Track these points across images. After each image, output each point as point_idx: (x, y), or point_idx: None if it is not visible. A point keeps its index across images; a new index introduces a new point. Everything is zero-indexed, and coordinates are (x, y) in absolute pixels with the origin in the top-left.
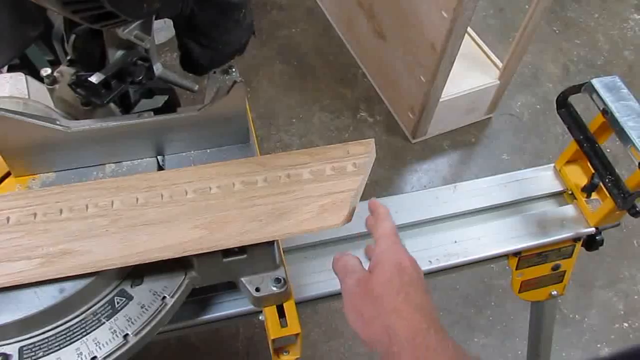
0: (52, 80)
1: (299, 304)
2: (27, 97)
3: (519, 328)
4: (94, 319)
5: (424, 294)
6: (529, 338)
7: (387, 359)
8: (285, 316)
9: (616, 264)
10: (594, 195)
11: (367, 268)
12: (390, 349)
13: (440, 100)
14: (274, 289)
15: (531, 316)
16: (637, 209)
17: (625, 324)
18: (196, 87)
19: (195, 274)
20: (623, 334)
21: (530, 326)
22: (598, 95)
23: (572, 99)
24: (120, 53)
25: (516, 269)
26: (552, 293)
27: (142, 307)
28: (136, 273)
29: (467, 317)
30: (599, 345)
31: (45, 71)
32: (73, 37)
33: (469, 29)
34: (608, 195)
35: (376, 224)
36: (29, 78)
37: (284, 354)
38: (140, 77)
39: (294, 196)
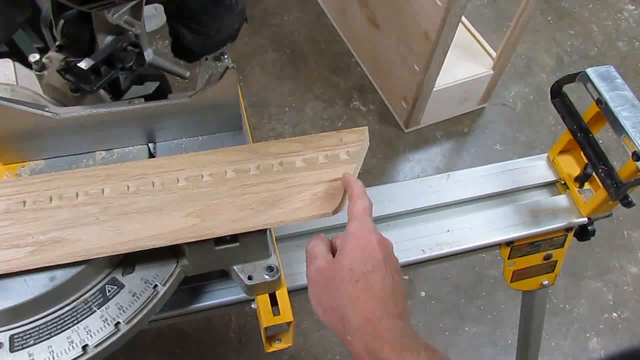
0: (41, 67)
1: (291, 292)
2: (15, 83)
3: (509, 317)
4: (85, 307)
5: (388, 278)
6: (520, 327)
7: (344, 344)
8: (277, 304)
9: (606, 254)
10: (586, 186)
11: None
12: (345, 336)
13: (434, 89)
14: (267, 277)
15: (522, 305)
16: (630, 200)
17: (615, 314)
18: (188, 74)
19: (187, 262)
20: (612, 324)
21: (521, 315)
22: (592, 84)
23: (566, 89)
24: (110, 39)
25: (508, 259)
26: (543, 283)
27: (133, 295)
28: (127, 261)
29: (458, 306)
30: (587, 335)
31: (34, 57)
32: (62, 22)
33: (463, 18)
34: (601, 185)
35: (349, 202)
36: (17, 64)
37: (276, 342)
38: (131, 63)
39: (286, 184)
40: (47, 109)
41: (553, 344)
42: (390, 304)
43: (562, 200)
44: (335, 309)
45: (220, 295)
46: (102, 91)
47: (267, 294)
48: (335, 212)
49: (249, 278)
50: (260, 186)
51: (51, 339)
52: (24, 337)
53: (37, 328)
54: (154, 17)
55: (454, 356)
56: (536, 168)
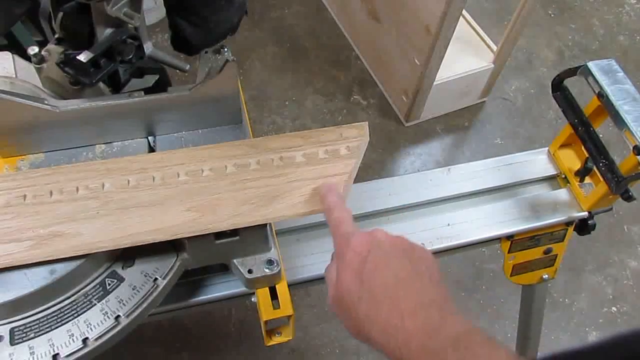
0: (40, 59)
1: (291, 286)
2: (14, 76)
3: (508, 311)
4: (85, 300)
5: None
6: (519, 321)
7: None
8: (277, 298)
9: (606, 248)
10: (587, 180)
11: None
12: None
13: (434, 83)
14: (267, 270)
15: (522, 299)
16: (630, 194)
17: (614, 308)
18: (188, 67)
19: (187, 255)
20: (611, 318)
21: (520, 309)
22: (594, 78)
23: (567, 83)
24: (109, 31)
25: (508, 253)
26: (543, 277)
27: (133, 289)
28: (127, 255)
29: (458, 300)
30: (587, 329)
31: (33, 50)
32: (60, 14)
33: (463, 12)
34: (601, 179)
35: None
36: (16, 57)
37: (277, 335)
38: (130, 56)
39: (286, 179)
40: (46, 102)
41: (552, 337)
42: (398, 303)
43: (562, 194)
44: (360, 332)
45: (221, 289)
46: (101, 84)
47: (267, 288)
48: None
49: (249, 272)
50: (261, 181)
51: (51, 332)
52: (25, 330)
53: (38, 321)
54: (154, 10)
55: None
56: (537, 162)
